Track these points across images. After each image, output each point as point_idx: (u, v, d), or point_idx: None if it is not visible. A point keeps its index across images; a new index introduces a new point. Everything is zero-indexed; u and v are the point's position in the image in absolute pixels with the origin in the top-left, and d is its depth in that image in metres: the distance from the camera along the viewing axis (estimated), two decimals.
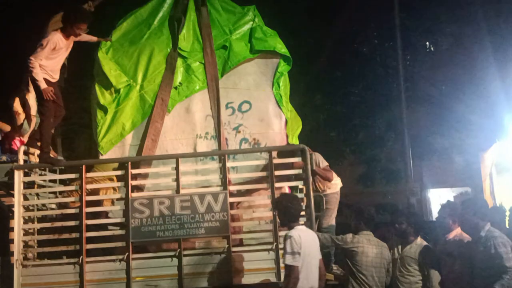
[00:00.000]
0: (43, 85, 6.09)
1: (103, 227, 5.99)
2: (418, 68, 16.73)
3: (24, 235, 5.90)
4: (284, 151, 6.31)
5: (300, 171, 5.87)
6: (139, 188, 6.09)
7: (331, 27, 15.36)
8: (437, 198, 16.96)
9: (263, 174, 5.97)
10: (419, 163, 16.76)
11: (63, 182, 6.61)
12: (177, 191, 5.82)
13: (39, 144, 6.41)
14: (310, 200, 5.71)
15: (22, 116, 7.31)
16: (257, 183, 6.11)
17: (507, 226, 6.97)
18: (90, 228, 5.82)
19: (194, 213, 5.73)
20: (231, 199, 5.80)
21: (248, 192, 6.19)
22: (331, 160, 6.95)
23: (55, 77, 6.37)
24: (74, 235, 5.82)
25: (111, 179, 6.22)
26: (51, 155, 6.40)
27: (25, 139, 7.20)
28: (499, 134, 9.59)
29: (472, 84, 15.22)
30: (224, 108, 6.59)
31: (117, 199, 6.05)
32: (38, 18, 7.09)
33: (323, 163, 6.87)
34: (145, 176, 6.20)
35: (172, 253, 5.72)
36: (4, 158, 6.54)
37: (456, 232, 5.56)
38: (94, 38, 6.77)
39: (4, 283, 5.97)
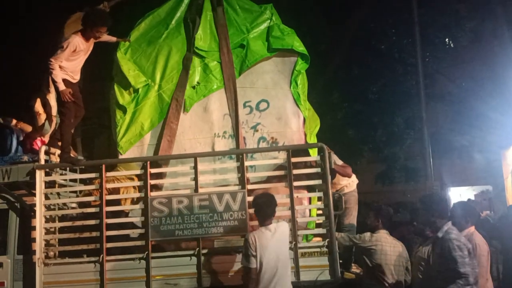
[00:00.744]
0: (61, 87, 6.19)
1: (123, 226, 6.05)
2: (437, 65, 16.52)
3: (45, 234, 5.99)
4: (302, 150, 6.31)
5: (318, 169, 5.84)
6: (158, 187, 6.13)
7: (349, 24, 15.26)
8: (458, 196, 16.73)
9: (281, 173, 5.95)
10: (438, 161, 16.52)
11: (83, 181, 6.67)
12: (196, 190, 5.84)
13: (59, 144, 6.49)
14: (329, 199, 5.69)
15: (43, 116, 7.41)
16: (275, 181, 6.11)
17: None
18: (110, 227, 5.87)
19: (212, 212, 5.76)
20: (249, 198, 5.80)
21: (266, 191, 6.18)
22: (349, 158, 6.89)
23: (76, 78, 6.46)
24: (94, 234, 5.88)
25: (131, 178, 6.26)
26: (72, 155, 6.48)
27: (46, 139, 7.30)
28: None
29: (493, 80, 15.00)
30: (242, 107, 6.59)
31: (137, 198, 6.09)
32: (57, 19, 7.16)
33: (338, 161, 6.82)
34: (164, 175, 6.23)
35: (191, 252, 5.74)
36: (25, 158, 6.63)
37: (468, 231, 5.37)
38: (113, 39, 6.84)
39: (27, 281, 6.07)
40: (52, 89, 6.87)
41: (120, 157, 6.53)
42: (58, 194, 6.38)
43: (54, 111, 7.24)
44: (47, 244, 5.99)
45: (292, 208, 5.71)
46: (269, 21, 6.93)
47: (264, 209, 5.13)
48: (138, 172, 6.05)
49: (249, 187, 5.88)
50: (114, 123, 6.74)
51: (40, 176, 6.02)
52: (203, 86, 6.69)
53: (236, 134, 6.51)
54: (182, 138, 6.56)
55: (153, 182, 5.98)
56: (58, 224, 6.15)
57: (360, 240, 5.92)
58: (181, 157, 6.29)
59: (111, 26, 6.55)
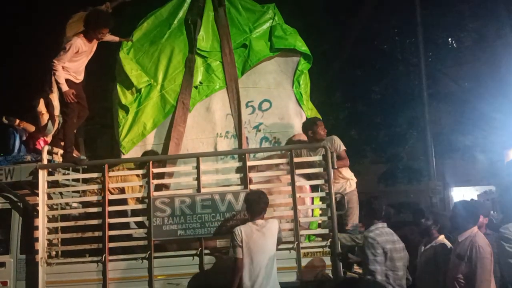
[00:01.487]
0: (64, 88, 6.21)
1: (125, 225, 6.05)
2: (440, 65, 16.51)
3: (48, 233, 5.99)
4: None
5: (321, 169, 5.83)
6: (160, 187, 6.13)
7: (352, 24, 15.25)
8: (461, 196, 16.70)
9: (284, 172, 5.95)
10: (441, 161, 16.50)
11: (86, 181, 6.68)
12: (198, 190, 5.84)
13: (62, 143, 6.50)
14: (331, 199, 5.67)
15: (46, 116, 7.42)
16: (277, 181, 6.10)
17: None
18: (112, 226, 5.88)
19: (215, 212, 5.75)
20: None
21: (269, 191, 6.17)
22: (352, 159, 6.84)
23: (79, 78, 6.47)
24: (97, 233, 5.88)
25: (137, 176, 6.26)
26: (74, 155, 6.49)
27: (49, 139, 7.31)
28: None
29: (495, 81, 14.97)
30: (244, 107, 6.58)
31: (139, 198, 6.09)
32: (60, 19, 7.17)
33: (341, 146, 6.71)
34: (166, 175, 6.23)
35: (193, 252, 5.75)
36: (28, 157, 6.63)
37: (471, 232, 5.27)
38: (116, 39, 6.85)
39: (29, 280, 6.07)
40: (55, 89, 6.89)
41: (123, 157, 6.54)
42: (61, 193, 6.39)
43: (57, 111, 7.25)
44: (50, 243, 5.99)
45: (294, 208, 5.70)
46: (271, 21, 6.93)
47: (253, 205, 5.23)
48: (141, 172, 6.04)
49: (252, 187, 5.87)
50: (116, 123, 6.75)
51: (43, 175, 6.03)
52: (206, 86, 6.69)
53: (238, 134, 6.50)
54: (185, 138, 6.55)
55: (155, 182, 5.97)
56: (60, 224, 6.15)
57: (361, 240, 5.89)
58: (184, 157, 6.29)
59: (113, 26, 6.55)
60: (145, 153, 6.42)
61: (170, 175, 6.26)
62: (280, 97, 6.69)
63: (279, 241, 5.32)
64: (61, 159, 6.46)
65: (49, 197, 6.10)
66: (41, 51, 8.76)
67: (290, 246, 5.61)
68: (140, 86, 6.66)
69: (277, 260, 5.17)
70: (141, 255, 5.75)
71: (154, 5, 7.27)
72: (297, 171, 5.79)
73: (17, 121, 7.85)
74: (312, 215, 6.26)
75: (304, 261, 5.61)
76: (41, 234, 5.90)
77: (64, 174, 6.61)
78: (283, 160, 5.97)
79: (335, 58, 15.13)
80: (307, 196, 6.07)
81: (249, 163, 5.87)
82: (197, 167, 5.87)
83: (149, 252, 5.71)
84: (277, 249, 5.24)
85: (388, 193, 17.25)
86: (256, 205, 5.21)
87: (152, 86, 6.70)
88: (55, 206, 6.21)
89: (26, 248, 6.27)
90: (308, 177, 6.02)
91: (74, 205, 6.56)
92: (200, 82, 6.67)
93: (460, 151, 16.90)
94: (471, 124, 15.79)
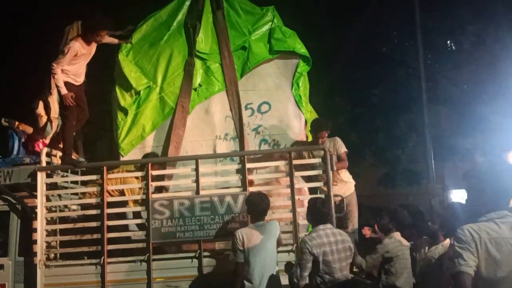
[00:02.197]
0: (63, 91, 6.20)
1: (124, 228, 6.03)
2: (439, 68, 16.51)
3: (47, 235, 5.97)
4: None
5: (320, 171, 5.82)
6: (159, 189, 6.12)
7: (351, 27, 15.25)
8: (460, 199, 16.69)
9: (283, 175, 5.94)
10: (441, 164, 16.47)
11: (84, 183, 6.67)
12: (197, 192, 5.83)
13: (61, 146, 6.49)
14: (330, 201, 5.65)
15: (44, 118, 7.43)
16: (276, 184, 6.10)
17: None
18: (111, 229, 5.86)
19: (214, 214, 5.74)
20: None
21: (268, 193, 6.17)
22: (352, 161, 6.84)
23: (79, 80, 6.46)
24: (95, 236, 5.87)
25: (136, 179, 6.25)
26: (73, 157, 6.48)
27: (48, 141, 7.30)
28: None
29: (495, 84, 14.96)
30: (243, 109, 6.60)
31: (138, 200, 6.08)
32: (60, 22, 7.18)
33: (343, 148, 6.70)
34: (165, 177, 6.22)
35: (192, 254, 5.73)
36: (27, 160, 6.62)
37: None
38: (115, 41, 6.85)
39: (28, 283, 6.05)
40: (54, 91, 6.90)
41: (122, 159, 6.53)
42: (60, 196, 6.39)
43: (56, 113, 7.25)
44: (48, 246, 5.98)
45: (293, 210, 5.69)
46: (270, 23, 6.93)
47: (254, 207, 5.21)
48: (139, 174, 6.03)
49: (251, 189, 5.86)
50: (115, 125, 6.75)
51: (41, 178, 6.02)
52: (205, 88, 6.69)
53: (240, 137, 6.50)
54: (184, 140, 6.56)
55: (154, 184, 5.97)
56: (59, 226, 6.14)
57: (384, 250, 5.77)
58: (183, 159, 6.29)
59: (112, 28, 6.55)
60: (146, 156, 6.41)
61: (169, 177, 6.26)
62: (279, 99, 6.70)
63: (279, 243, 5.31)
64: (60, 161, 6.45)
65: (48, 199, 6.09)
66: (41, 52, 8.76)
67: (289, 248, 5.60)
68: (139, 88, 6.66)
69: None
70: (140, 258, 5.73)
71: (154, 7, 7.27)
72: (296, 173, 5.79)
73: (16, 123, 7.84)
74: None
75: None
76: (40, 236, 5.89)
77: (63, 176, 6.60)
78: (283, 162, 5.97)
79: (335, 61, 15.13)
80: (306, 199, 6.05)
81: (248, 165, 5.87)
82: (196, 169, 5.86)
83: (147, 254, 5.70)
84: (277, 251, 5.22)
85: (388, 195, 17.24)
86: (257, 207, 5.19)
87: (151, 88, 6.70)
88: (53, 208, 6.19)
89: (25, 250, 6.25)
90: (307, 179, 6.01)
91: (73, 207, 6.56)
92: (199, 84, 6.68)
93: (460, 154, 16.88)
94: (471, 126, 15.77)
